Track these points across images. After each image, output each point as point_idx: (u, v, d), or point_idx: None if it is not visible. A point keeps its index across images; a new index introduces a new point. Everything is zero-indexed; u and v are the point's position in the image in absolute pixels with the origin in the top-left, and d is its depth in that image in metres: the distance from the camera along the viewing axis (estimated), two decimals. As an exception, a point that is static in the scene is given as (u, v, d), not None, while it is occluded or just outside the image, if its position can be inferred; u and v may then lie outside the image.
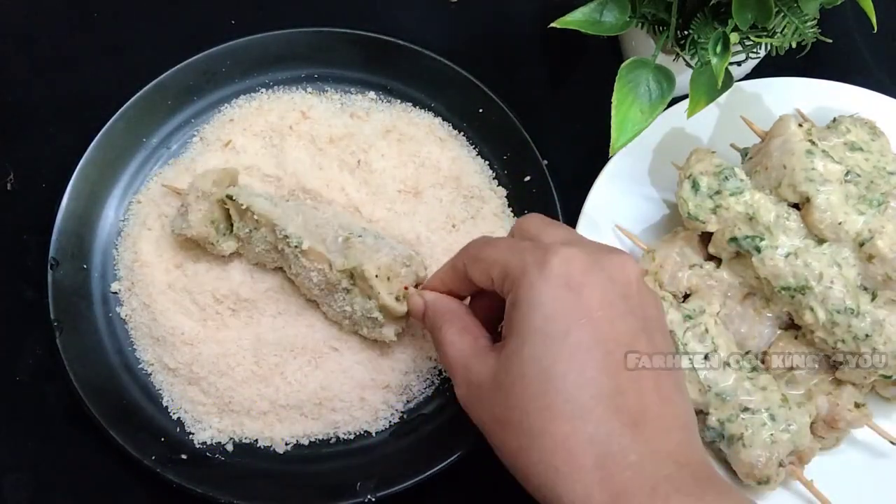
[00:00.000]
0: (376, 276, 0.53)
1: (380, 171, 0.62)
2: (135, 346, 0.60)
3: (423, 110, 0.65)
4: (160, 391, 0.59)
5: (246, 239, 0.58)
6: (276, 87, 0.66)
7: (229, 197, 0.57)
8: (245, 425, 0.57)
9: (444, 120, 0.65)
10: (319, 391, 0.58)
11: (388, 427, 0.58)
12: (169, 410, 0.58)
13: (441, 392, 0.59)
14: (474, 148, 0.65)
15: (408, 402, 0.59)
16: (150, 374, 0.59)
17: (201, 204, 0.57)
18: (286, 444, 0.57)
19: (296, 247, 0.55)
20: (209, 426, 0.57)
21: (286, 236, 0.55)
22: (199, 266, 0.60)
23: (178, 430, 0.58)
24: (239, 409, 0.57)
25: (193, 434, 0.57)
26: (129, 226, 0.62)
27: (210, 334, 0.58)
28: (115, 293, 0.60)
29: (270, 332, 0.58)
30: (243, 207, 0.56)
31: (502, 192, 0.64)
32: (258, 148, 0.63)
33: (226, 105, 0.65)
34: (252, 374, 0.58)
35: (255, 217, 0.56)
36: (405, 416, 0.58)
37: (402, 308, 0.54)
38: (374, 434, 0.58)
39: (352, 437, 0.58)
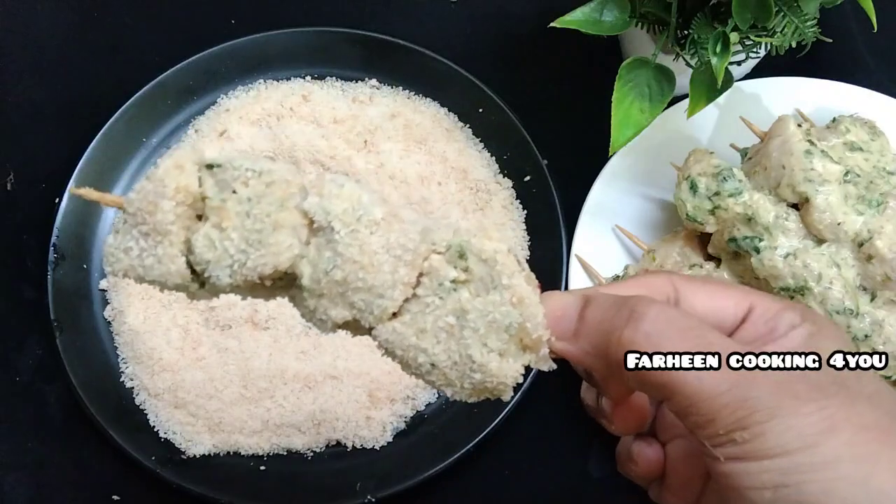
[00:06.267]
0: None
1: (387, 153, 0.61)
2: (119, 353, 0.58)
3: (427, 98, 0.65)
4: (144, 411, 0.57)
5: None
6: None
7: (209, 167, 0.32)
8: (239, 442, 0.56)
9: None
10: (318, 413, 0.56)
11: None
12: (156, 431, 0.56)
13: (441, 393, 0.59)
14: (480, 142, 0.64)
15: (413, 408, 0.58)
16: (133, 388, 0.57)
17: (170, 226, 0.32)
18: (286, 447, 0.57)
19: None
20: (201, 443, 0.56)
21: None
22: None
23: (177, 430, 0.57)
24: (230, 428, 0.56)
25: (186, 451, 0.56)
26: (127, 226, 0.61)
27: (189, 363, 0.57)
28: (103, 290, 0.60)
29: (255, 359, 0.56)
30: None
31: (508, 183, 0.63)
32: (254, 132, 0.61)
33: (222, 97, 0.64)
34: (241, 397, 0.56)
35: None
36: (408, 421, 0.58)
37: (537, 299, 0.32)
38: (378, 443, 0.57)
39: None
